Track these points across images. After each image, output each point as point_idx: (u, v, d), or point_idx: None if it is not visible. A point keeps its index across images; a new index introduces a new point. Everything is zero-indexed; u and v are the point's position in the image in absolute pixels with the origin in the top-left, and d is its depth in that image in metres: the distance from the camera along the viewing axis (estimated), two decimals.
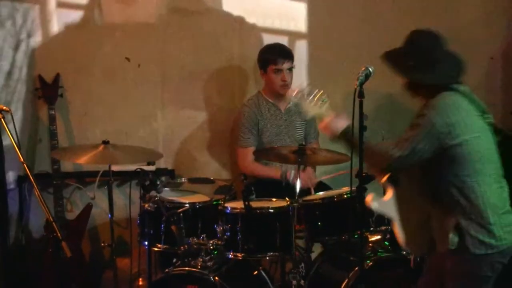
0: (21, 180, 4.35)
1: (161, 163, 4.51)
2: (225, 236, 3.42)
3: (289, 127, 4.33)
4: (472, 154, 2.72)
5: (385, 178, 2.94)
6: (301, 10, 4.71)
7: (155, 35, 4.56)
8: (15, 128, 3.09)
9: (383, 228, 3.54)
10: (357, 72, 2.81)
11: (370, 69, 2.82)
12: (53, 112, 4.32)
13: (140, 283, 4.08)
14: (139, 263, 3.98)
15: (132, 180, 3.99)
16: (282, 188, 3.88)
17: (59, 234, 2.91)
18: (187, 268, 3.42)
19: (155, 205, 3.50)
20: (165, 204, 3.55)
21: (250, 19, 4.64)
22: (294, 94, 3.04)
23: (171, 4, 4.55)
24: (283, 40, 4.61)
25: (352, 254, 3.53)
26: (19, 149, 3.07)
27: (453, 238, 2.72)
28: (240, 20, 4.63)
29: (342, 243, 3.59)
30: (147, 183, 3.51)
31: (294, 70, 4.28)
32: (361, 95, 2.78)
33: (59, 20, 4.45)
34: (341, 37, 4.73)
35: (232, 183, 4.11)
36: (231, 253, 3.44)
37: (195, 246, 3.43)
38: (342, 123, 2.89)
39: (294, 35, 4.72)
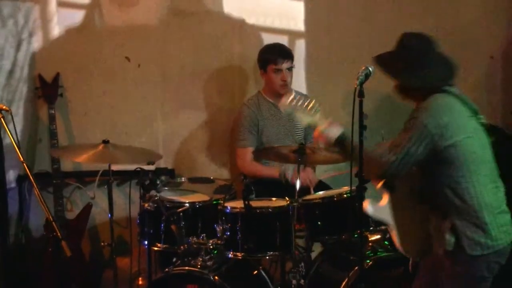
0: (21, 179, 4.36)
1: (161, 163, 4.51)
2: (225, 236, 3.42)
3: (289, 127, 4.33)
4: (466, 154, 2.71)
5: (380, 184, 2.93)
6: (301, 9, 4.70)
7: (155, 35, 4.57)
8: (15, 128, 3.09)
9: (383, 227, 3.53)
10: (357, 72, 2.81)
11: (370, 69, 2.82)
12: (53, 112, 4.33)
13: (140, 282, 4.08)
14: (139, 263, 3.99)
15: (132, 180, 3.99)
16: (282, 187, 3.88)
17: (59, 234, 2.91)
18: (187, 268, 3.41)
19: (155, 205, 3.50)
20: (165, 203, 3.54)
21: (250, 19, 4.64)
22: (286, 104, 3.01)
23: (172, 4, 4.55)
24: (283, 40, 4.61)
25: (352, 254, 3.52)
26: (19, 148, 3.07)
27: (449, 239, 2.72)
28: (240, 20, 4.63)
29: (342, 243, 3.59)
30: (147, 182, 3.51)
31: (294, 70, 4.29)
32: (361, 94, 2.78)
33: (59, 19, 4.45)
34: (341, 37, 4.73)
35: (232, 182, 4.11)
36: (231, 253, 3.44)
37: (195, 246, 3.43)
38: (335, 131, 2.88)
39: (294, 35, 4.72)
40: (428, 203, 2.84)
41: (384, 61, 2.86)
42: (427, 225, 2.84)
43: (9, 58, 4.33)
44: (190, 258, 3.45)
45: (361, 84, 2.78)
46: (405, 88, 2.88)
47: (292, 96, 3.01)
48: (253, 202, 3.40)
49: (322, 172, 4.39)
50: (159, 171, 4.33)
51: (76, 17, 4.47)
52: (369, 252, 3.53)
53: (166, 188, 3.75)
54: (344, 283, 3.41)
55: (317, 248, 3.93)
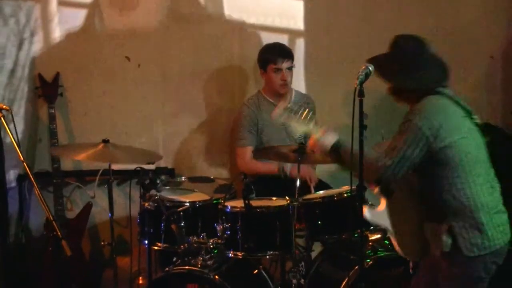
0: (21, 179, 4.36)
1: (161, 162, 4.50)
2: (225, 235, 3.42)
3: (289, 126, 4.33)
4: (461, 155, 2.71)
5: (377, 189, 2.93)
6: (301, 9, 4.71)
7: (155, 35, 4.57)
8: (15, 127, 3.09)
9: (383, 227, 3.53)
10: (357, 71, 2.81)
11: (370, 68, 2.81)
12: (53, 111, 4.33)
13: (140, 282, 4.08)
14: (139, 262, 3.98)
15: (132, 179, 3.99)
16: (282, 187, 3.88)
17: (59, 233, 2.92)
18: (187, 267, 3.41)
19: (155, 204, 3.51)
20: (165, 203, 3.54)
21: (250, 19, 4.64)
22: (279, 113, 3.01)
23: (172, 5, 4.55)
24: (283, 39, 4.61)
25: (352, 253, 3.53)
26: (19, 148, 3.07)
27: (446, 240, 2.72)
28: (240, 21, 4.63)
29: (342, 242, 3.59)
30: (147, 182, 3.51)
31: (294, 69, 4.29)
32: (361, 94, 2.77)
33: (60, 19, 4.45)
34: (341, 37, 4.73)
35: (232, 182, 4.11)
36: (231, 252, 3.44)
37: (195, 245, 3.43)
38: (330, 139, 2.87)
39: (294, 34, 4.72)
40: (424, 204, 2.84)
41: (379, 63, 2.85)
42: (425, 226, 2.85)
43: (11, 57, 4.33)
44: (190, 258, 3.45)
45: (361, 83, 2.77)
46: (399, 90, 2.88)
47: (284, 106, 3.01)
48: (253, 201, 3.39)
49: (322, 171, 4.40)
50: (159, 171, 4.34)
51: (77, 17, 4.47)
52: (369, 251, 3.53)
53: (166, 187, 3.76)
54: (344, 282, 3.42)
55: (317, 248, 3.93)
